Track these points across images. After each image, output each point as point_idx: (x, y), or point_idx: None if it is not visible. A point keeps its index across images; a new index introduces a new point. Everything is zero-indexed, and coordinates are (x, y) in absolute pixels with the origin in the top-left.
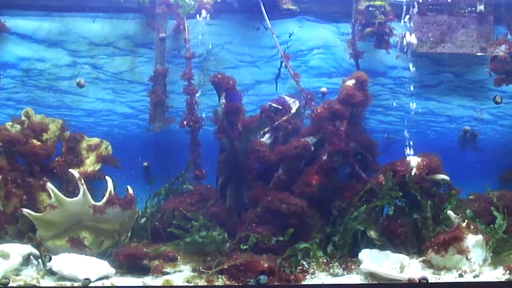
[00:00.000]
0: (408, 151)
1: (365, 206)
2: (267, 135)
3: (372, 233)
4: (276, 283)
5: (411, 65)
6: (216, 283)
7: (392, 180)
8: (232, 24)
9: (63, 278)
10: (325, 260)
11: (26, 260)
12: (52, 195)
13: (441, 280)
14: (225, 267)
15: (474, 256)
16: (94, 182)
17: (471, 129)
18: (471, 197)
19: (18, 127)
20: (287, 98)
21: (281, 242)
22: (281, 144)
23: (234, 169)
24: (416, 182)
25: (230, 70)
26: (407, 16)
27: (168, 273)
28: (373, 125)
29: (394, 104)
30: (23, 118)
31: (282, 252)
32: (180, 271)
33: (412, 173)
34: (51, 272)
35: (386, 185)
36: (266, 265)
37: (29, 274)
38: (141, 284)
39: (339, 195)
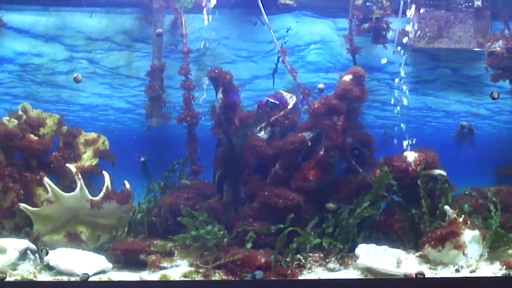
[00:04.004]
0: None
1: (367, 201)
2: (264, 130)
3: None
4: (273, 278)
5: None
6: (213, 278)
7: (387, 175)
8: (229, 19)
9: (60, 272)
10: (321, 255)
11: (23, 255)
12: (49, 189)
13: (437, 275)
14: (222, 262)
15: (471, 251)
16: (91, 177)
17: (468, 124)
18: (467, 192)
19: (15, 122)
20: (284, 93)
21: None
22: (278, 139)
23: (231, 164)
24: (412, 177)
25: (227, 65)
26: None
27: (165, 268)
28: (370, 120)
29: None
30: (20, 113)
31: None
32: (177, 266)
33: (409, 168)
34: (48, 267)
35: (383, 179)
36: (263, 260)
37: (26, 268)
38: (138, 279)
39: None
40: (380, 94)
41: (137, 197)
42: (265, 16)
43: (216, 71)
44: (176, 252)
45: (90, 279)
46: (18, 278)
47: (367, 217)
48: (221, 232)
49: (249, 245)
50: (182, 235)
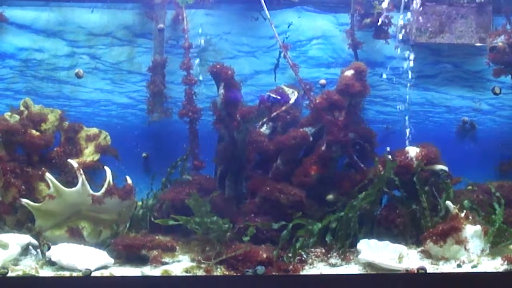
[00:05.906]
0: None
1: (363, 193)
2: (265, 126)
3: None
4: (274, 273)
5: None
6: (215, 273)
7: (391, 169)
8: (231, 14)
9: (62, 268)
10: (323, 251)
11: (25, 250)
12: (51, 185)
13: (439, 270)
14: (224, 257)
15: (473, 247)
16: (93, 172)
17: (470, 119)
18: (469, 187)
19: (17, 117)
20: (286, 89)
21: (280, 232)
22: (279, 134)
23: (232, 159)
24: (414, 172)
25: (228, 60)
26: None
27: (167, 263)
28: (372, 115)
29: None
30: (22, 108)
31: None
32: (179, 261)
33: (411, 164)
34: (50, 262)
35: (385, 173)
36: (265, 255)
37: (28, 264)
38: (140, 274)
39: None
40: (381, 89)
41: (138, 192)
42: (266, 11)
43: (218, 66)
44: (178, 247)
45: (92, 274)
46: (20, 273)
47: (368, 212)
48: (226, 225)
49: (246, 239)
50: (186, 217)
